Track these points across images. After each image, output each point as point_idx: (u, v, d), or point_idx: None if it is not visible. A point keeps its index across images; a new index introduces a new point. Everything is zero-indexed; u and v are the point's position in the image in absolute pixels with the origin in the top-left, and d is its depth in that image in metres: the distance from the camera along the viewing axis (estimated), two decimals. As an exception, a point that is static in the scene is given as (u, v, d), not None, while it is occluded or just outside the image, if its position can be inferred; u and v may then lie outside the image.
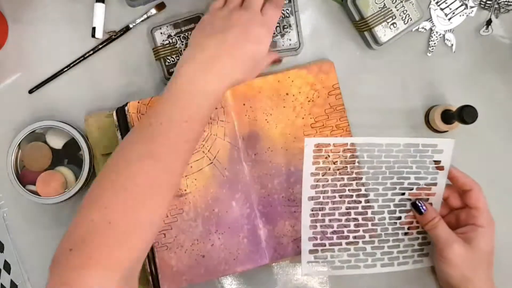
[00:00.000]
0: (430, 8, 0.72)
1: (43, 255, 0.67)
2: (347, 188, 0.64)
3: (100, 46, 0.69)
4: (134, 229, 0.52)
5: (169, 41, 0.69)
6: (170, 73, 0.68)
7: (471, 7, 0.72)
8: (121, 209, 0.52)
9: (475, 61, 0.72)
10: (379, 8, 0.67)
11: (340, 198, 0.64)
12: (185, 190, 0.65)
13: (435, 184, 0.64)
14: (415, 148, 0.62)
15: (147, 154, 0.54)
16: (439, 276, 0.64)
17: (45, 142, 0.67)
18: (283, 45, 0.69)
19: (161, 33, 0.69)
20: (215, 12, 0.62)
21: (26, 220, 0.68)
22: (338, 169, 0.65)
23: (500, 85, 0.72)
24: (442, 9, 0.72)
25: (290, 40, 0.69)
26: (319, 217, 0.64)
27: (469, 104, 0.64)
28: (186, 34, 0.69)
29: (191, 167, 0.65)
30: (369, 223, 0.65)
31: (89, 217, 0.51)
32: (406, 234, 0.65)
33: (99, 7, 0.69)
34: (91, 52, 0.69)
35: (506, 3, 0.72)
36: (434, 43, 0.71)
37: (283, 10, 0.68)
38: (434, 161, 0.63)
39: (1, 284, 0.67)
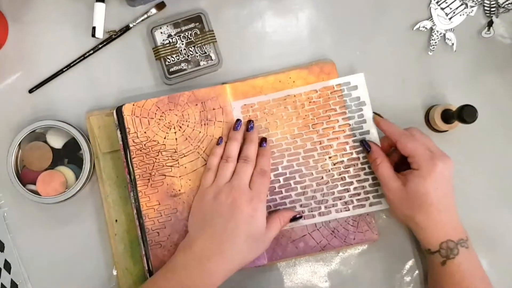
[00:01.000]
0: (430, 7, 0.72)
1: (43, 255, 0.68)
2: (283, 142, 0.67)
3: (100, 46, 0.70)
4: None
5: (169, 41, 0.69)
6: (170, 73, 0.68)
7: (471, 6, 0.72)
8: None
9: (476, 60, 0.72)
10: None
11: (279, 153, 0.66)
12: (179, 190, 0.65)
13: (364, 121, 0.67)
14: (331, 90, 0.67)
15: None
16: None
17: (45, 141, 0.67)
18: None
19: (161, 32, 0.69)
20: (204, 193, 0.63)
21: (26, 220, 0.68)
22: (269, 126, 0.67)
23: (500, 84, 0.72)
24: (442, 9, 0.72)
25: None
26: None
27: (469, 104, 0.64)
28: (186, 33, 0.69)
29: (186, 167, 0.65)
30: (313, 171, 0.66)
31: None
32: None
33: (99, 7, 0.69)
34: (91, 51, 0.70)
35: (506, 3, 0.72)
36: (435, 42, 0.71)
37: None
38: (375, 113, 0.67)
39: (2, 283, 0.67)
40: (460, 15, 0.72)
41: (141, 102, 0.65)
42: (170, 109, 0.65)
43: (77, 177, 0.66)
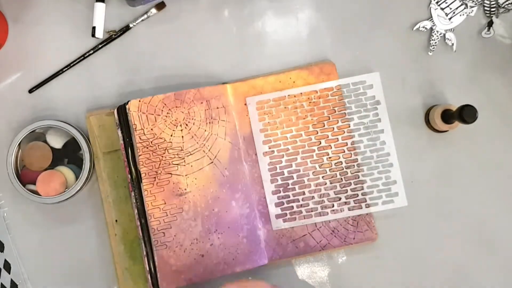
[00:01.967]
0: (430, 8, 0.72)
1: (43, 255, 0.68)
2: (297, 139, 0.67)
3: (100, 46, 0.70)
4: None
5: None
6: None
7: (471, 6, 0.72)
8: None
9: (476, 60, 0.72)
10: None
11: (294, 149, 0.67)
12: (185, 189, 0.65)
13: (379, 120, 0.68)
14: (347, 88, 0.67)
15: None
16: None
17: (45, 141, 0.67)
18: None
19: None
20: None
21: (26, 220, 0.68)
22: (284, 122, 0.67)
23: (500, 84, 0.72)
24: (442, 9, 0.72)
25: None
26: (278, 171, 0.67)
27: (469, 104, 0.64)
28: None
29: (192, 166, 0.65)
30: (327, 169, 0.67)
31: None
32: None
33: (99, 7, 0.69)
34: (91, 51, 0.70)
35: (506, 3, 0.72)
36: (435, 42, 0.71)
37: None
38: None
39: (1, 283, 0.67)
40: (460, 15, 0.72)
41: (147, 98, 0.65)
42: (176, 106, 0.65)
43: (77, 177, 0.66)
